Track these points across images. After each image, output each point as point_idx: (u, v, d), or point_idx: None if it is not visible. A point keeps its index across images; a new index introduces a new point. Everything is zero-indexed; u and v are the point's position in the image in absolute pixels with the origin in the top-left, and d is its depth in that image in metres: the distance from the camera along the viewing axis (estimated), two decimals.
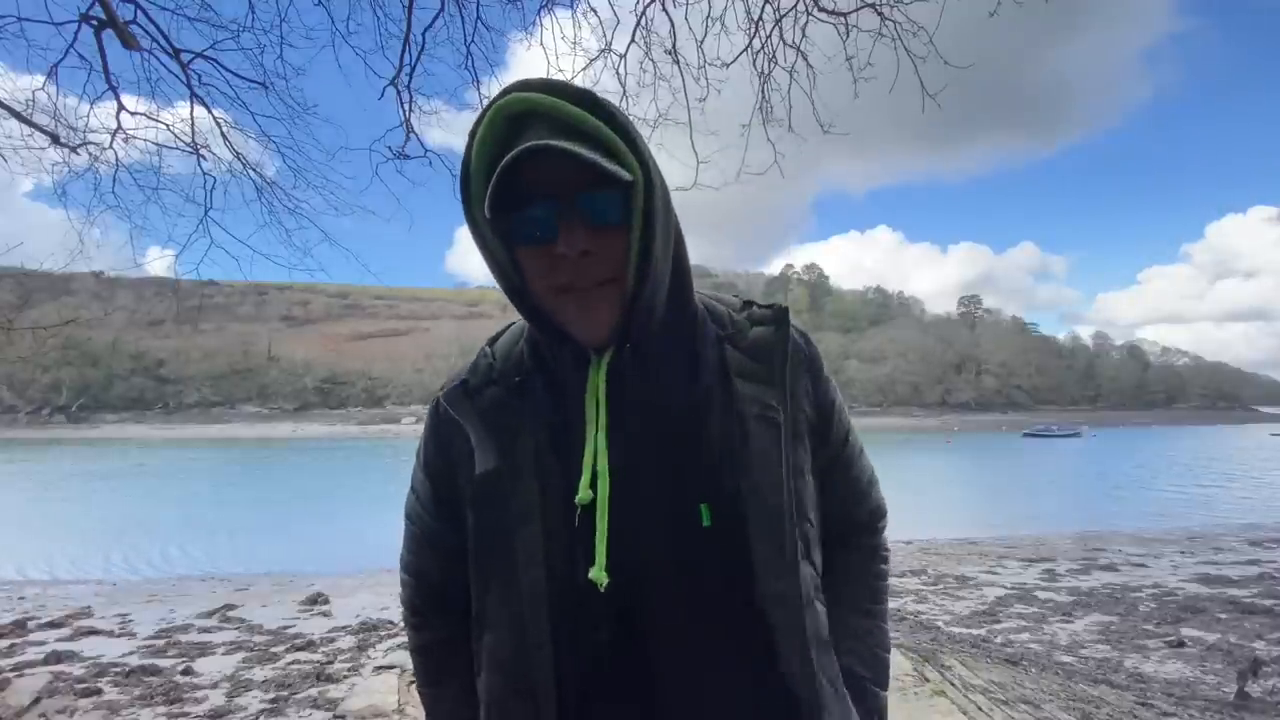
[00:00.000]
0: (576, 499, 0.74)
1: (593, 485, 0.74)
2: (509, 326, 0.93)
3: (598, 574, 0.72)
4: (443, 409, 0.86)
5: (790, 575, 0.77)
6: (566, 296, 0.74)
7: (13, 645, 6.14)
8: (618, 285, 0.75)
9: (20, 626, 6.72)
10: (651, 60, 3.82)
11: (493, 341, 0.91)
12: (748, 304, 0.91)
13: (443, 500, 0.88)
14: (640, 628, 0.76)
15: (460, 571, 0.86)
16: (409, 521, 0.94)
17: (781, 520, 0.76)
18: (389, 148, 4.01)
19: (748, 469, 0.77)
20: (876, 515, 0.99)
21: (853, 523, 0.96)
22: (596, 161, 0.68)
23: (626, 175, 0.71)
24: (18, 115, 3.71)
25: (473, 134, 0.74)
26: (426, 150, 4.16)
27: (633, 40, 3.78)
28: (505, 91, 0.73)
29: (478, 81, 3.93)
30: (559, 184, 0.71)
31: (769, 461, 0.77)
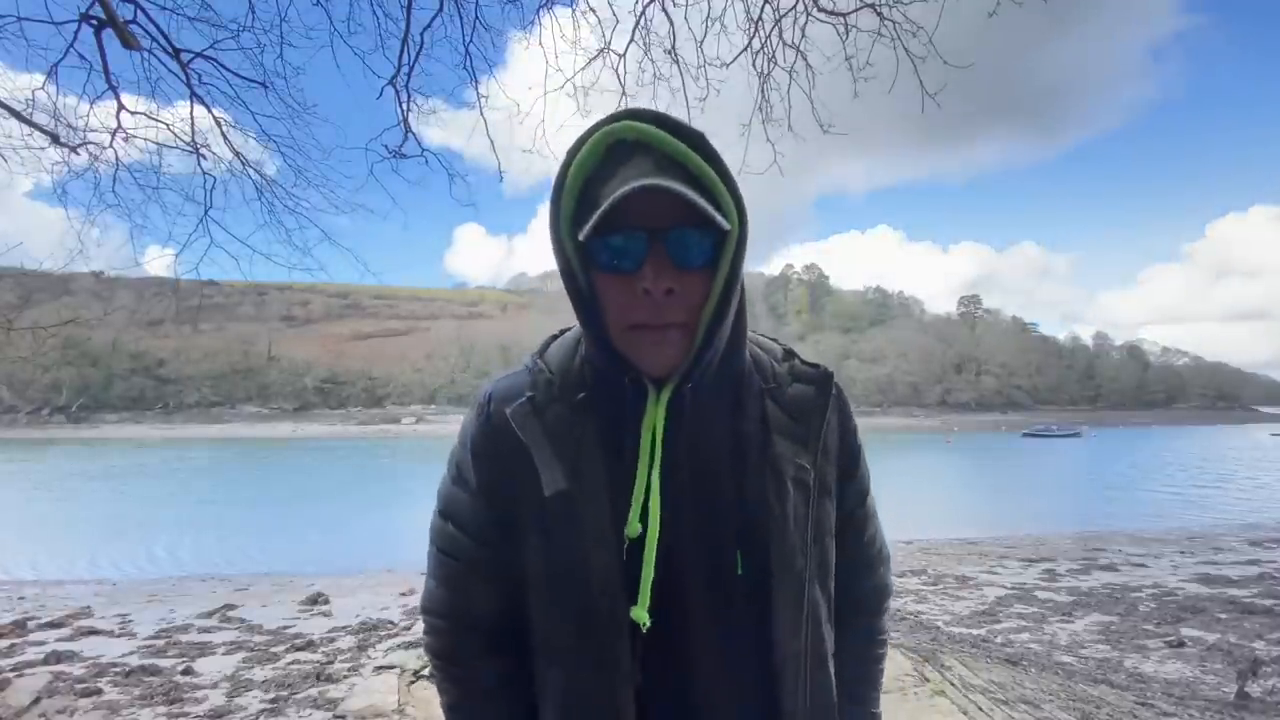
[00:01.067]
0: (626, 530, 0.74)
1: (642, 519, 0.74)
2: (554, 338, 0.90)
3: (639, 614, 0.72)
4: (501, 425, 0.81)
5: (800, 639, 0.79)
6: (636, 332, 0.74)
7: (13, 645, 6.14)
8: (690, 328, 0.74)
9: (20, 626, 6.72)
10: (651, 60, 3.82)
11: (542, 353, 0.87)
12: (789, 354, 0.89)
13: (500, 523, 0.82)
14: (678, 664, 0.78)
15: (513, 603, 0.82)
16: (443, 556, 0.87)
17: (803, 586, 0.78)
18: (385, 146, 4.01)
19: (780, 530, 0.78)
20: (881, 594, 0.96)
21: (854, 598, 0.93)
22: (702, 205, 0.68)
23: (726, 224, 0.70)
24: (17, 115, 3.71)
25: (573, 152, 0.73)
26: (424, 150, 4.16)
27: (632, 40, 3.78)
28: (615, 118, 0.73)
29: (476, 81, 3.93)
30: (653, 217, 0.70)
31: (797, 525, 0.79)
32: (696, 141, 0.72)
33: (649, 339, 0.73)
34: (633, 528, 0.73)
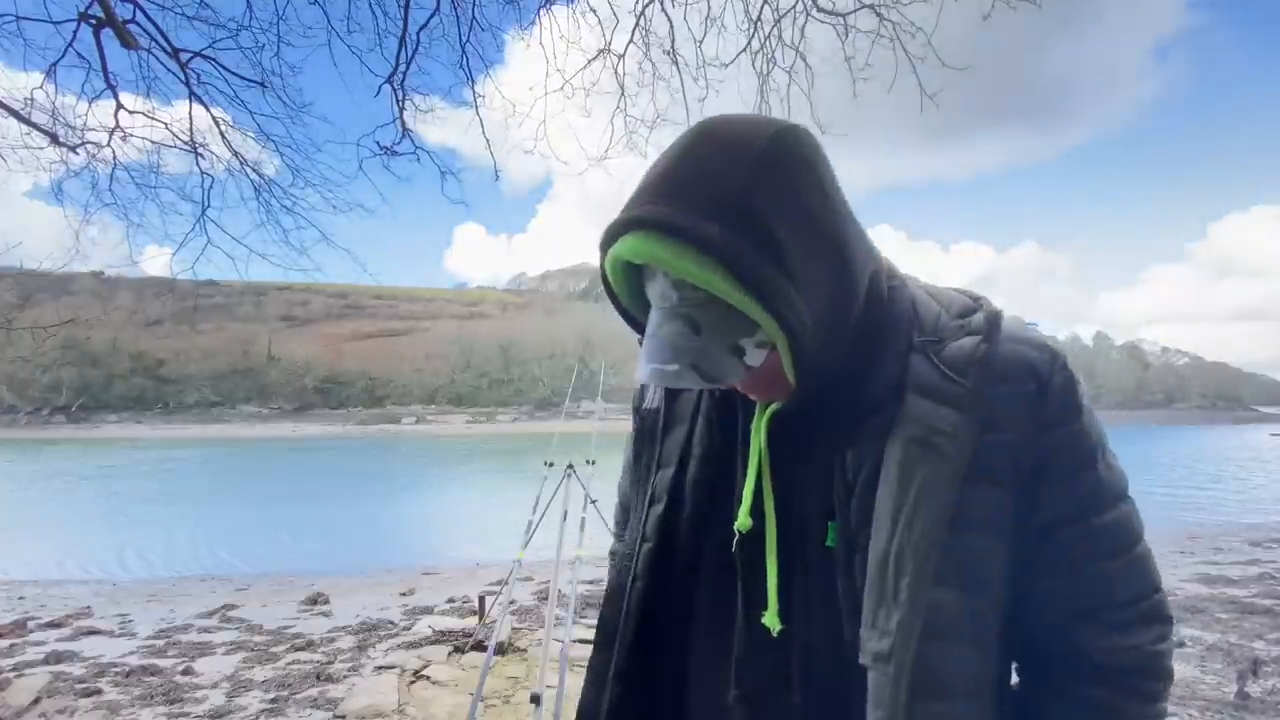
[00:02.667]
0: (736, 525, 0.72)
1: (752, 514, 0.72)
2: None
3: (771, 619, 0.69)
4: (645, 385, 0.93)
5: (893, 642, 0.62)
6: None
7: (13, 645, 6.14)
8: (785, 384, 0.66)
9: (20, 626, 6.72)
10: (650, 60, 3.82)
11: None
12: (973, 309, 0.71)
13: (643, 433, 0.93)
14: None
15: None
16: (627, 444, 1.01)
17: (903, 564, 0.62)
18: (378, 143, 4.02)
19: (884, 503, 0.64)
20: (1130, 669, 0.68)
21: (1082, 660, 0.69)
22: (719, 387, 0.73)
23: (759, 357, 0.63)
24: (16, 114, 3.71)
25: (600, 266, 0.69)
26: (417, 148, 4.17)
27: (631, 40, 3.78)
28: (625, 225, 0.62)
29: (472, 81, 3.94)
30: None
31: (911, 497, 0.63)
32: (719, 246, 0.58)
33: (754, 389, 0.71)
34: (742, 521, 0.71)
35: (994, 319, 0.69)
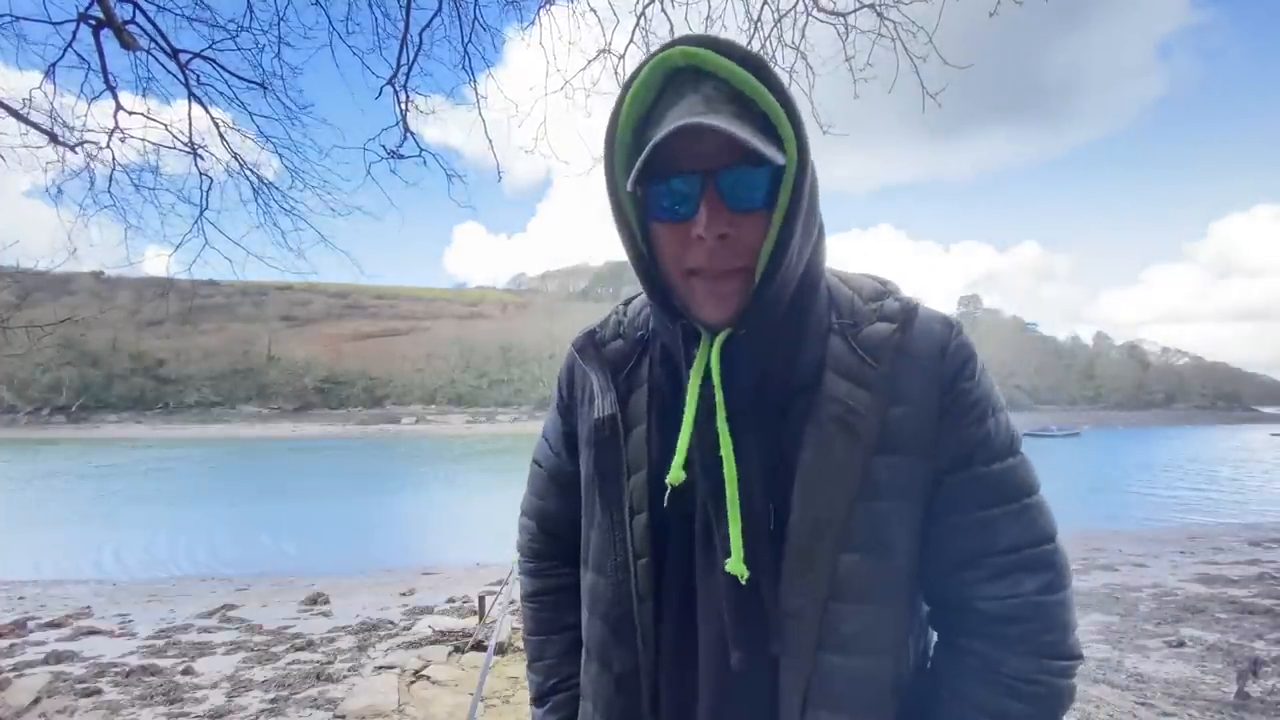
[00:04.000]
0: (668, 479, 0.70)
1: (687, 468, 0.71)
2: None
3: (735, 565, 0.68)
4: (572, 355, 0.89)
5: (808, 600, 0.69)
6: (695, 279, 0.70)
7: (13, 645, 6.14)
8: (748, 273, 0.70)
9: (20, 626, 6.72)
10: None
11: (627, 302, 0.93)
12: (885, 293, 0.78)
13: (570, 436, 0.92)
14: (692, 601, 0.77)
15: (579, 508, 0.90)
16: (536, 465, 0.99)
17: (820, 542, 0.68)
18: (383, 146, 4.01)
19: (806, 474, 0.70)
20: (1014, 615, 0.70)
21: (968, 610, 0.73)
22: (749, 142, 0.62)
23: (780, 158, 0.65)
24: (15, 114, 3.70)
25: (625, 87, 0.70)
26: (422, 150, 4.15)
27: (631, 40, 3.77)
28: (667, 45, 0.68)
29: (474, 81, 3.93)
30: (705, 157, 0.66)
31: (829, 471, 0.69)
32: (755, 65, 0.66)
33: (705, 287, 0.70)
34: (674, 474, 0.70)
35: (910, 311, 0.75)
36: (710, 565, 0.73)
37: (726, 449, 0.70)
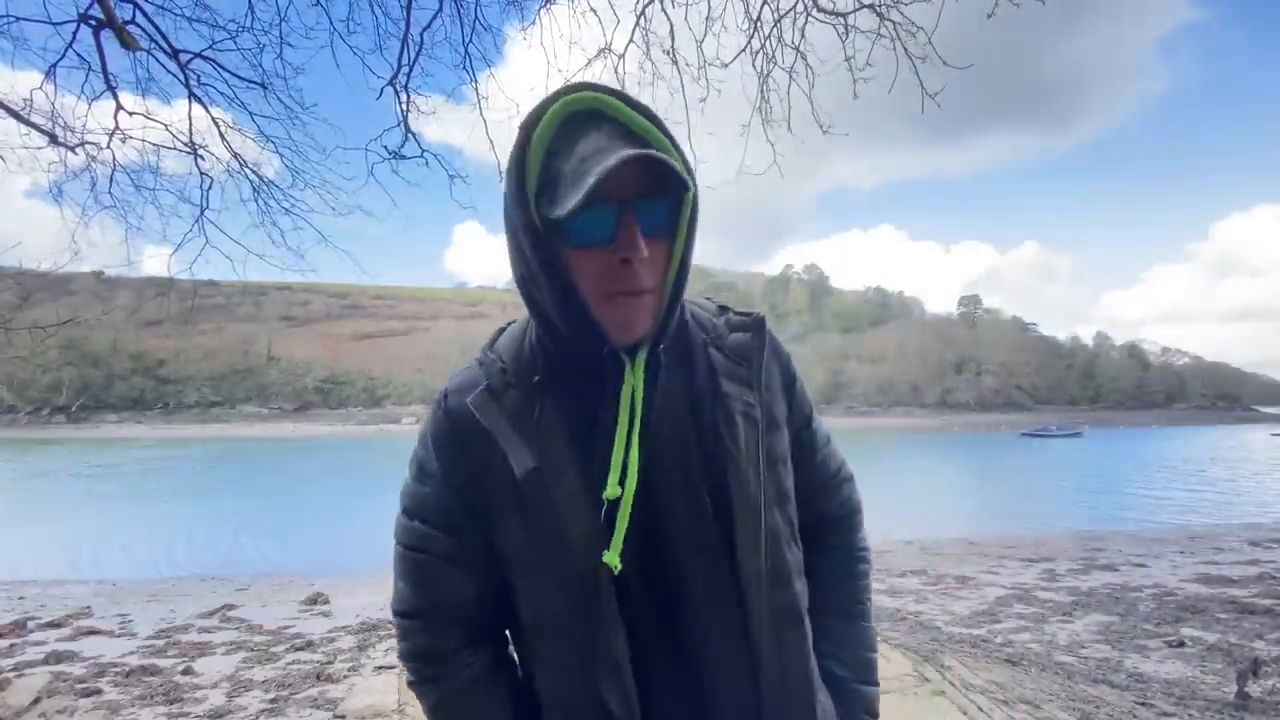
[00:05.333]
0: (605, 494, 0.77)
1: (621, 481, 0.77)
2: (501, 331, 0.94)
3: (611, 558, 0.76)
4: (460, 416, 0.82)
5: (760, 559, 0.83)
6: (615, 300, 0.77)
7: (13, 645, 6.14)
8: (658, 294, 0.80)
9: (20, 626, 6.72)
10: (650, 61, 3.82)
11: (491, 346, 0.90)
12: (723, 309, 0.97)
13: (470, 509, 0.83)
14: (675, 609, 0.82)
15: (488, 589, 0.85)
16: (414, 553, 0.86)
17: (759, 511, 0.83)
18: (385, 146, 4.01)
19: (736, 463, 0.83)
20: (850, 511, 1.04)
21: (824, 519, 1.01)
22: (679, 173, 0.72)
23: (692, 186, 0.75)
24: (15, 114, 3.70)
25: (529, 125, 0.75)
26: (424, 150, 4.15)
27: (631, 40, 3.78)
28: (567, 90, 0.76)
29: (475, 81, 3.93)
30: (621, 188, 0.72)
31: (750, 456, 0.84)
32: (645, 110, 0.77)
33: (626, 307, 0.77)
34: (612, 489, 0.77)
35: (760, 321, 0.93)
36: (677, 559, 0.82)
37: (633, 458, 0.78)
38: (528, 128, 0.75)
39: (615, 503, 0.77)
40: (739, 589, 0.82)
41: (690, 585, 0.81)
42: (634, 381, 0.80)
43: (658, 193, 0.74)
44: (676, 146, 0.77)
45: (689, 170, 0.77)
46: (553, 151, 0.75)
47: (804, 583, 0.91)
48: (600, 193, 0.70)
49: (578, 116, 0.76)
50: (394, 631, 0.93)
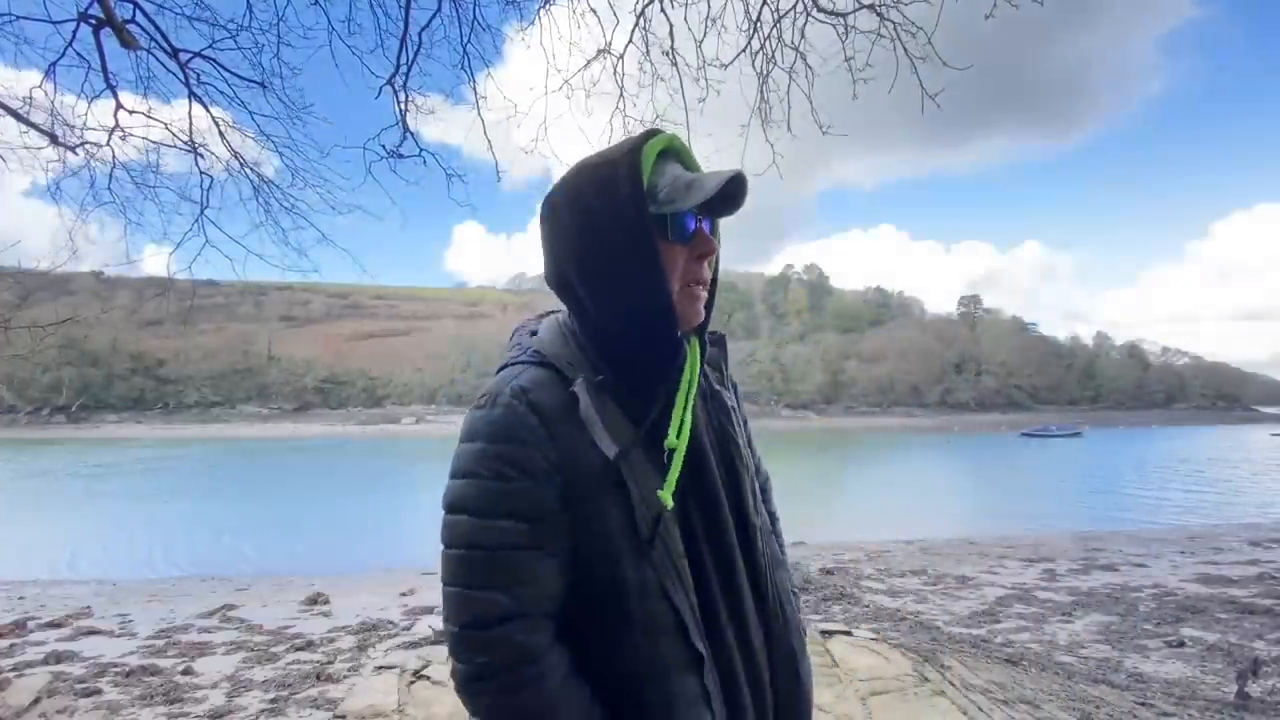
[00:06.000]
0: (666, 443, 0.92)
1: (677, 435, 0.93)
2: (534, 333, 1.03)
3: (665, 496, 0.89)
4: (545, 408, 0.88)
5: (761, 516, 1.06)
6: (689, 289, 0.97)
7: (13, 645, 6.14)
8: (707, 288, 1.01)
9: (20, 626, 6.72)
10: (650, 61, 3.81)
11: (538, 347, 0.98)
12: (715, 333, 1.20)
13: (565, 499, 0.86)
14: (718, 546, 0.97)
15: (570, 577, 0.89)
16: (503, 553, 0.84)
17: (753, 479, 1.08)
18: (383, 146, 4.01)
19: (736, 441, 1.05)
20: (768, 484, 1.25)
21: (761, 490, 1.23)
22: (744, 194, 0.99)
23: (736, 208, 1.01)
24: (15, 114, 3.70)
25: (636, 152, 0.93)
26: (422, 150, 4.15)
27: (630, 40, 3.77)
28: (652, 133, 0.97)
29: (474, 81, 3.93)
30: (705, 202, 0.94)
31: (741, 437, 1.08)
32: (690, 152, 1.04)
33: (695, 296, 0.98)
34: (671, 440, 0.92)
35: (723, 337, 1.13)
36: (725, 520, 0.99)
37: (688, 418, 0.96)
38: (636, 150, 0.93)
39: (670, 453, 0.92)
40: (748, 537, 1.01)
41: (725, 530, 0.97)
42: (693, 357, 0.99)
43: (728, 209, 1.00)
44: None
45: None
46: (653, 170, 0.95)
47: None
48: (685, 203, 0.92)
49: (665, 153, 0.98)
50: (458, 652, 0.85)
